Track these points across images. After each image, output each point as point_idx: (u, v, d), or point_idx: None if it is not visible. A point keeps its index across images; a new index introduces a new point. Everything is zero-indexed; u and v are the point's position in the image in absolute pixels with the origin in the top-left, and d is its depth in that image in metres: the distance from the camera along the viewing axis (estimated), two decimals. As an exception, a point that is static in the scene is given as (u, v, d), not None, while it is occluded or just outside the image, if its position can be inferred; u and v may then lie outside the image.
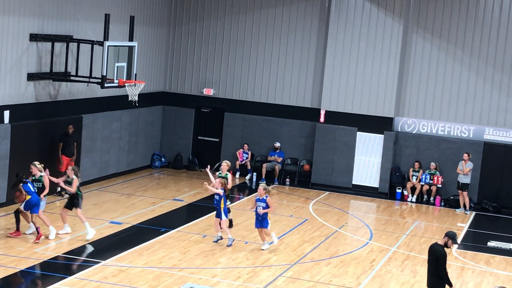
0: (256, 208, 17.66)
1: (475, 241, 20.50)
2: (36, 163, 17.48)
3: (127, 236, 18.21)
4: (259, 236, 17.86)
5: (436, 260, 12.86)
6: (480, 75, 24.56)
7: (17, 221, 17.12)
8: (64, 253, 16.30)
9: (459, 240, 20.09)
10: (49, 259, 15.81)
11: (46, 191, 17.39)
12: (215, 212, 18.07)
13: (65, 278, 14.70)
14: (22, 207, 17.08)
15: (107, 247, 17.11)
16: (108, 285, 14.47)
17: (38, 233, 16.88)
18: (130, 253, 16.64)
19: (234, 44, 26.53)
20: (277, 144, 25.98)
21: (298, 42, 25.91)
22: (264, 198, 17.59)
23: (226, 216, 17.97)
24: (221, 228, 17.91)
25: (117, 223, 19.04)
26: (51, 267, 15.46)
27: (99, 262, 15.83)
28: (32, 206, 16.97)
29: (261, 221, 17.64)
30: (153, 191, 23.07)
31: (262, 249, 17.59)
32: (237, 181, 25.83)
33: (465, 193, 23.51)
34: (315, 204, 23.19)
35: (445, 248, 12.92)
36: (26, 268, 15.10)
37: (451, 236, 12.97)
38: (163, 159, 26.88)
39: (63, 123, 21.17)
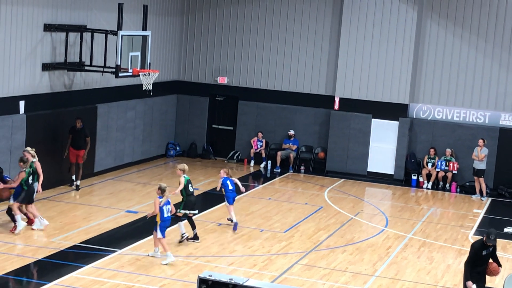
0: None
1: (491, 227, 20.37)
2: (29, 148, 17.17)
3: (143, 225, 18.24)
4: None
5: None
6: (495, 60, 24.41)
7: (13, 217, 16.79)
8: (80, 243, 16.38)
9: (474, 228, 20.04)
10: (66, 249, 15.89)
11: (41, 178, 16.99)
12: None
13: (82, 267, 14.77)
14: (11, 201, 16.68)
15: (123, 236, 17.17)
16: (125, 274, 14.53)
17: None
18: (146, 242, 16.68)
19: (247, 32, 26.49)
20: (291, 132, 25.95)
21: (311, 29, 25.83)
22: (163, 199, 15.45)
23: (230, 202, 17.88)
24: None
25: (133, 212, 19.10)
26: (68, 257, 15.53)
27: (116, 251, 15.90)
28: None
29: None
30: (168, 180, 23.09)
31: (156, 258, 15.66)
32: (252, 169, 25.85)
33: (481, 179, 23.42)
34: (330, 192, 23.18)
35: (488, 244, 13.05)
36: (44, 258, 15.19)
37: (486, 233, 13.05)
38: (177, 148, 26.92)
39: (78, 113, 21.21)
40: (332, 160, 25.61)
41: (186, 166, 16.96)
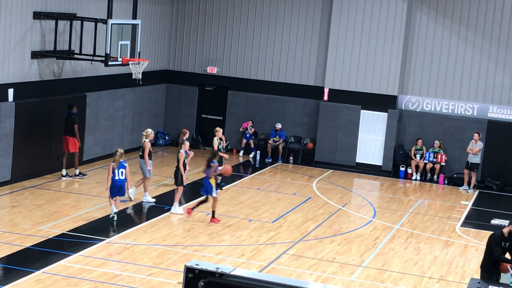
0: None
1: (478, 219, 20.54)
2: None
3: (131, 214, 18.28)
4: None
5: (488, 245, 12.96)
6: (484, 53, 24.48)
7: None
8: (69, 231, 16.38)
9: (461, 219, 20.15)
10: (54, 237, 15.88)
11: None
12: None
13: (70, 255, 14.78)
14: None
15: (112, 224, 17.18)
16: (113, 263, 14.55)
17: None
18: (134, 231, 16.71)
19: (237, 22, 26.47)
20: (279, 126, 25.86)
21: (302, 20, 25.83)
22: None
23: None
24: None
25: (122, 201, 19.07)
26: (56, 245, 15.53)
27: (104, 240, 15.91)
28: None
29: None
30: (157, 169, 23.07)
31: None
32: (241, 160, 25.86)
33: (473, 173, 23.48)
34: (319, 182, 23.23)
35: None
36: (31, 246, 15.18)
37: None
38: (167, 137, 26.91)
39: (67, 101, 21.13)
40: (321, 150, 25.66)
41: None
